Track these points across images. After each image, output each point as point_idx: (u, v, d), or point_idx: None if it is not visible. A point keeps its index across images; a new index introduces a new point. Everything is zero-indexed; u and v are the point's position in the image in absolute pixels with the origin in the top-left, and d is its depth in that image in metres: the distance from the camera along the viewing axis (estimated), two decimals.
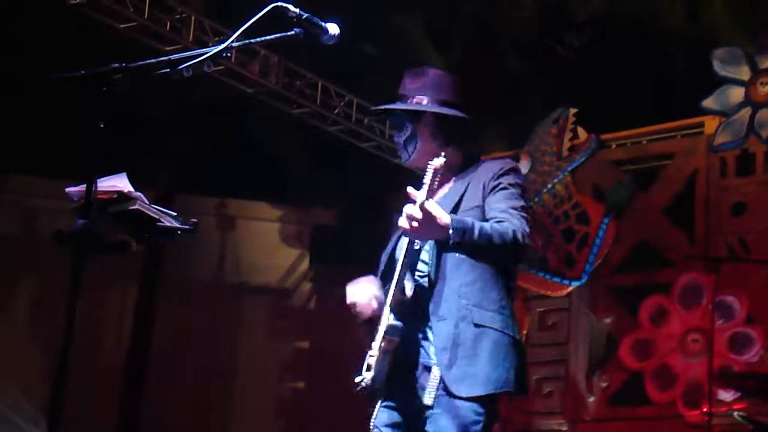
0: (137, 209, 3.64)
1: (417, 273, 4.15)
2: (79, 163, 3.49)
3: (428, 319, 4.06)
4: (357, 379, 4.11)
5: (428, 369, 4.05)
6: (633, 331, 9.92)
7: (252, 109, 10.79)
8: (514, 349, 4.08)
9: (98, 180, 3.40)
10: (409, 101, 4.32)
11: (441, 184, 4.14)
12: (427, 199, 3.92)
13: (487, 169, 4.20)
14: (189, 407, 11.76)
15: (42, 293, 11.49)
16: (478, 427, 4.03)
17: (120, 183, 3.65)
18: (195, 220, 3.81)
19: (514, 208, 4.07)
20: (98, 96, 3.27)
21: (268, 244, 12.66)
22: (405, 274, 4.05)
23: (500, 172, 4.18)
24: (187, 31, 9.53)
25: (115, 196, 3.63)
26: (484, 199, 4.11)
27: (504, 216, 4.03)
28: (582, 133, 10.70)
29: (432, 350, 4.05)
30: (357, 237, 12.62)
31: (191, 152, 11.54)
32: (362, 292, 4.25)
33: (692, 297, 9.58)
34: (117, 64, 3.32)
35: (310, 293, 12.72)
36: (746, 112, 9.79)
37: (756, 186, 9.78)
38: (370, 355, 4.07)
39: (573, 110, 10.73)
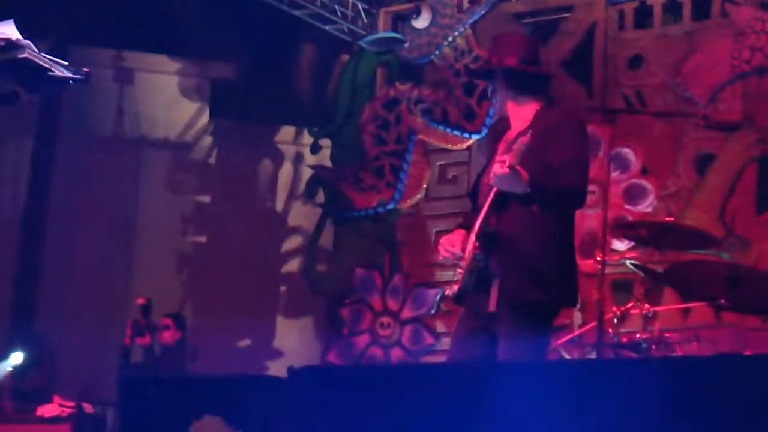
0: (26, 57, 3.55)
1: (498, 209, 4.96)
2: None
3: (498, 242, 4.90)
4: (446, 291, 5.12)
5: (495, 283, 4.87)
6: None
7: None
8: (565, 268, 4.96)
9: None
10: (489, 64, 5.26)
11: (518, 128, 5.07)
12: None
13: (553, 117, 5.02)
14: (89, 262, 11.71)
15: None
16: (530, 329, 4.83)
17: (7, 31, 3.55)
18: (87, 69, 3.74)
19: (572, 160, 4.88)
20: None
21: (167, 97, 12.50)
22: (491, 211, 4.90)
23: (558, 121, 5.00)
24: None
25: (3, 44, 3.53)
26: (544, 145, 4.83)
27: (562, 168, 4.84)
28: None
29: (499, 266, 4.88)
30: (257, 91, 12.53)
31: (85, 1, 11.24)
32: (450, 242, 5.11)
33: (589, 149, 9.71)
34: None
35: (210, 147, 12.64)
36: None
37: (653, 39, 9.87)
38: (458, 272, 4.97)
39: None
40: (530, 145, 4.78)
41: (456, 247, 5.06)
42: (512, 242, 4.88)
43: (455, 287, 5.01)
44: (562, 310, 5.26)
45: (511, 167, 4.71)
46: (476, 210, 5.11)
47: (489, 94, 5.37)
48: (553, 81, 5.82)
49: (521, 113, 5.14)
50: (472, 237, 4.96)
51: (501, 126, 5.37)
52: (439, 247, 5.18)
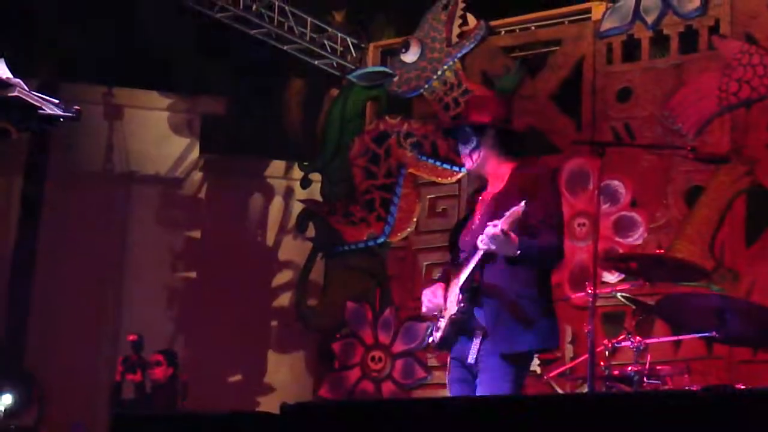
0: (17, 96, 3.55)
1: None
2: None
3: (482, 296, 5.16)
4: (429, 340, 5.48)
5: (477, 335, 5.18)
6: None
7: None
8: (545, 317, 5.17)
9: None
10: (479, 121, 5.36)
11: (495, 187, 5.30)
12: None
13: (528, 177, 5.22)
14: (79, 298, 11.68)
15: None
16: (510, 381, 5.08)
17: None
18: (78, 107, 3.74)
19: (548, 217, 5.12)
20: None
21: (157, 133, 12.52)
22: (478, 267, 5.12)
23: (534, 180, 5.20)
24: None
25: None
26: (524, 202, 4.98)
27: (541, 227, 5.09)
28: (471, 19, 10.72)
29: (481, 319, 5.16)
30: (247, 126, 12.56)
31: (77, 39, 11.28)
32: (433, 294, 5.39)
33: (579, 182, 9.74)
34: None
35: (200, 182, 12.66)
36: None
37: (641, 72, 9.91)
38: (440, 319, 5.31)
39: None
40: (508, 198, 5.07)
41: (438, 298, 5.33)
42: (495, 297, 5.14)
43: (437, 335, 5.33)
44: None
45: (503, 232, 4.93)
46: (456, 262, 5.33)
47: (461, 150, 5.43)
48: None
49: (500, 171, 5.34)
50: (456, 290, 5.20)
51: (480, 181, 5.52)
52: (423, 299, 5.41)
